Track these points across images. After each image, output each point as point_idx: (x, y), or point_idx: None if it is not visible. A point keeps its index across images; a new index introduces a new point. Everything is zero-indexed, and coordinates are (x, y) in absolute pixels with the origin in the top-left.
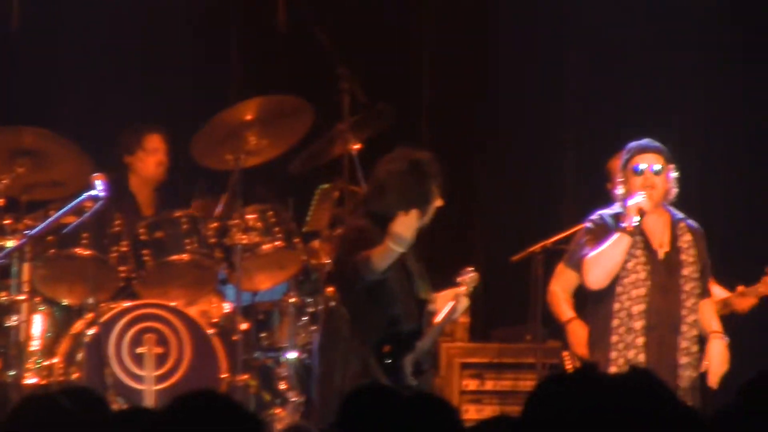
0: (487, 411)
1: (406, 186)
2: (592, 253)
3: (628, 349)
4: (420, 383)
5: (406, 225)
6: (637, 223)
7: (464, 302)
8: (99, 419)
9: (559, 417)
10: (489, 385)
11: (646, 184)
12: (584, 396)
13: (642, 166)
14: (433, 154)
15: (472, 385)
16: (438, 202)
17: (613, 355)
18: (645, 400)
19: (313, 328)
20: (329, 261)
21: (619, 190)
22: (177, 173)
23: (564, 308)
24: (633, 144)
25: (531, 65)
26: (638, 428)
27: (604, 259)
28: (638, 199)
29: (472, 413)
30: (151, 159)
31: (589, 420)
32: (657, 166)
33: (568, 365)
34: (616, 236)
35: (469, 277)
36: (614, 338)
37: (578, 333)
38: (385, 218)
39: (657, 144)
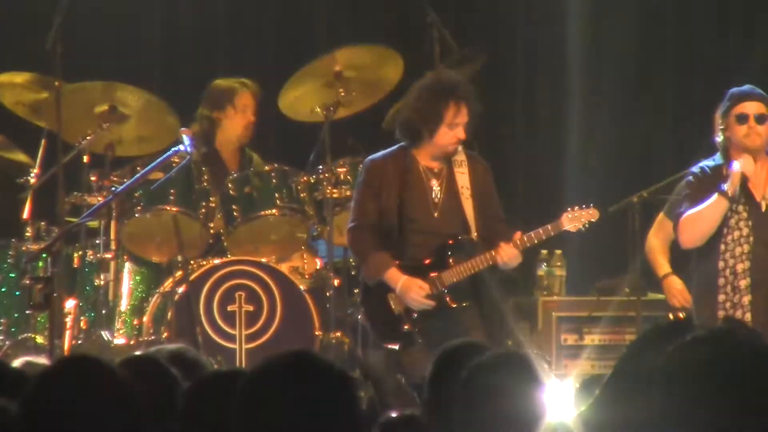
0: (586, 366)
1: (420, 99)
2: (689, 213)
3: (734, 309)
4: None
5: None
6: (738, 191)
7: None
8: (199, 382)
9: (654, 370)
10: (588, 340)
11: (749, 132)
12: (681, 348)
13: (745, 114)
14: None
15: (570, 339)
16: (458, 120)
17: (720, 314)
18: (740, 353)
19: None
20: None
21: (719, 138)
22: (265, 127)
23: (661, 262)
24: (734, 90)
25: None
26: (735, 381)
27: (700, 221)
28: (741, 164)
29: (570, 368)
30: (240, 117)
31: (686, 373)
32: (760, 113)
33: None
34: (714, 197)
35: (587, 212)
36: (721, 297)
37: (674, 288)
38: (406, 131)
39: (759, 91)
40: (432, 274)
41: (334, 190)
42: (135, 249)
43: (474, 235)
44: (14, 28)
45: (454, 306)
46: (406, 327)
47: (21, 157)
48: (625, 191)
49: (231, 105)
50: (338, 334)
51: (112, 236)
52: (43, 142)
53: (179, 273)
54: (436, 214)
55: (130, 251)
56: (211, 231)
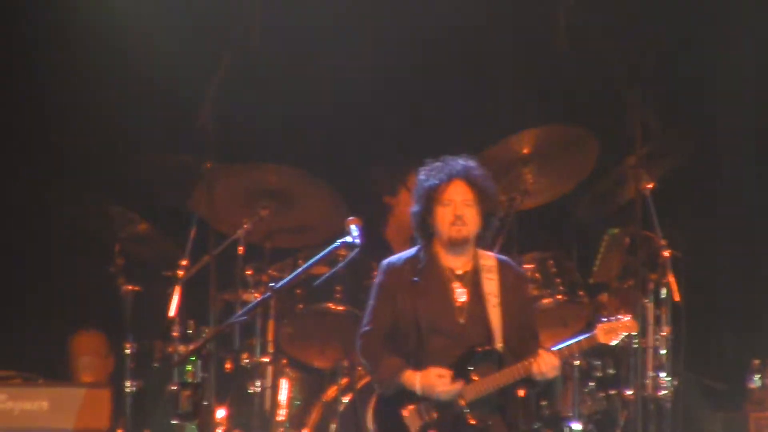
0: None
1: (417, 186)
2: None
3: None
4: None
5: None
6: None
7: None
8: None
9: None
10: None
11: None
12: None
13: None
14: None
15: None
16: (452, 197)
17: None
18: None
19: (602, 394)
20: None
21: None
22: None
23: None
24: None
25: None
26: None
27: None
28: None
29: None
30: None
31: None
32: None
33: None
34: None
35: (624, 324)
36: None
37: None
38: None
39: None
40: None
41: None
42: (295, 352)
43: (499, 345)
44: (164, 104)
45: (476, 424)
46: None
47: (168, 247)
48: None
49: (405, 188)
50: None
51: (270, 338)
52: (192, 231)
53: (344, 380)
54: (461, 320)
55: (290, 355)
56: None
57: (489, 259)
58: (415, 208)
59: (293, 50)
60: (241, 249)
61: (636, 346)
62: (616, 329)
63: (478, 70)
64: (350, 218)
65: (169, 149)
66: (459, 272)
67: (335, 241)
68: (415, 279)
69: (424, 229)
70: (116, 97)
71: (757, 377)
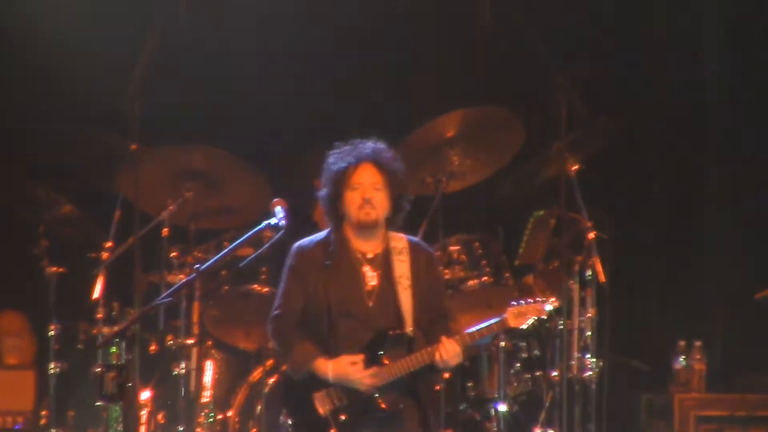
0: None
1: (326, 169)
2: None
3: None
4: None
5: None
6: None
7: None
8: None
9: None
10: None
11: None
12: None
13: None
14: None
15: None
16: (360, 180)
17: None
18: None
19: (527, 376)
20: (545, 299)
21: None
22: None
23: None
24: None
25: None
26: None
27: None
28: None
29: None
30: None
31: None
32: None
33: None
34: None
35: (534, 307)
36: None
37: None
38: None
39: None
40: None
41: (446, 271)
42: (220, 334)
43: (409, 329)
44: (89, 85)
45: (387, 409)
46: (332, 429)
47: (92, 229)
48: None
49: None
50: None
51: (195, 319)
52: (117, 212)
53: (270, 361)
54: (370, 303)
55: (215, 336)
56: None
57: (400, 241)
58: (324, 191)
59: (220, 30)
60: (165, 230)
61: (561, 327)
62: (525, 313)
63: (402, 48)
64: (275, 200)
65: (95, 130)
66: (369, 255)
67: (260, 223)
68: (327, 263)
69: (334, 213)
70: (40, 77)
71: (681, 358)
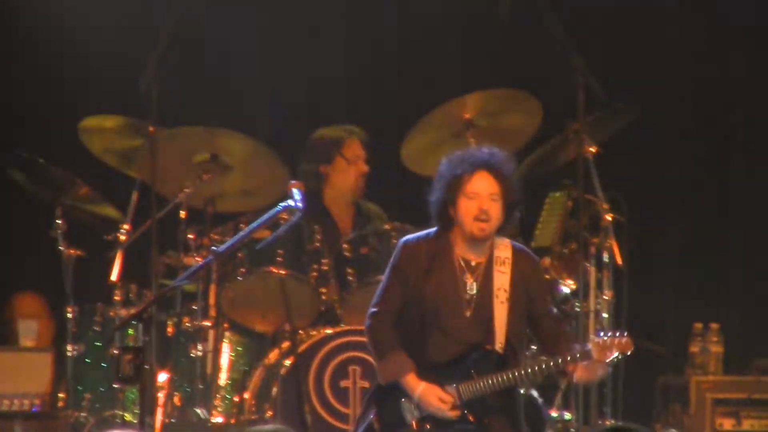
0: None
1: (440, 172)
2: None
3: None
4: None
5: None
6: None
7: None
8: None
9: None
10: (746, 425)
11: None
12: None
13: None
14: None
15: (727, 424)
16: (477, 190)
17: None
18: None
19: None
20: (562, 281)
21: None
22: (384, 181)
23: None
24: None
25: None
26: None
27: None
28: None
29: None
30: (351, 169)
31: None
32: None
33: None
34: None
35: (619, 342)
36: None
37: None
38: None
39: None
40: (449, 385)
41: None
42: (237, 316)
43: (499, 345)
44: (106, 68)
45: (473, 422)
46: None
47: (110, 211)
48: None
49: (339, 156)
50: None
51: (211, 302)
52: (134, 194)
53: (286, 344)
54: (468, 314)
55: (231, 319)
56: (323, 297)
57: (505, 249)
58: (436, 196)
59: (238, 14)
60: (183, 213)
61: (578, 310)
62: (612, 347)
63: (421, 34)
64: (292, 182)
65: (113, 113)
66: (473, 263)
67: (277, 206)
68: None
69: (444, 219)
70: (59, 59)
71: (698, 341)
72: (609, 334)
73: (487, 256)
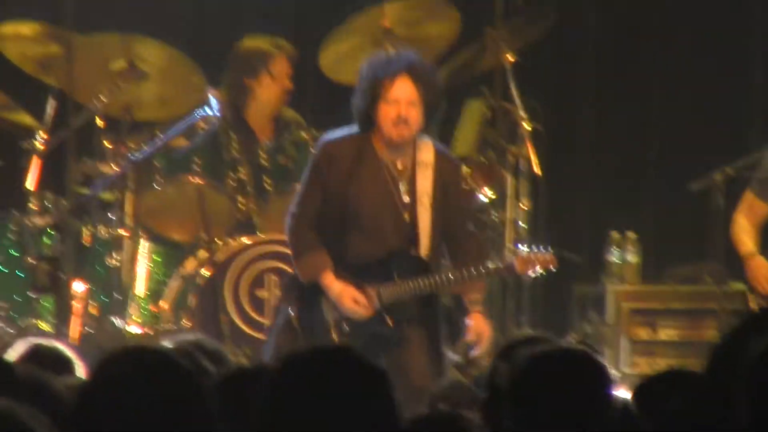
0: (661, 364)
1: (360, 76)
2: None
3: None
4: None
5: None
6: None
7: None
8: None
9: (749, 372)
10: (663, 335)
11: None
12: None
13: None
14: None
15: (643, 333)
16: (397, 95)
17: None
18: None
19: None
20: (480, 189)
21: None
22: (302, 89)
23: (745, 240)
24: None
25: None
26: None
27: None
28: None
29: (643, 366)
30: (276, 85)
31: None
32: None
33: (753, 308)
34: None
35: (543, 257)
36: None
37: (760, 270)
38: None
39: None
40: (370, 287)
41: None
42: (154, 225)
43: (423, 251)
44: None
45: (392, 326)
46: (333, 338)
47: (26, 118)
48: (707, 166)
49: (266, 71)
50: None
51: (128, 210)
52: (51, 102)
53: (203, 253)
54: (406, 216)
55: (148, 228)
56: (241, 206)
57: (427, 152)
58: (357, 99)
59: None
60: (100, 121)
61: (495, 219)
62: (534, 262)
63: None
64: (210, 90)
65: (29, 19)
66: (399, 167)
67: (194, 114)
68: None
69: (365, 122)
70: None
71: (614, 250)
72: (533, 248)
73: (411, 159)
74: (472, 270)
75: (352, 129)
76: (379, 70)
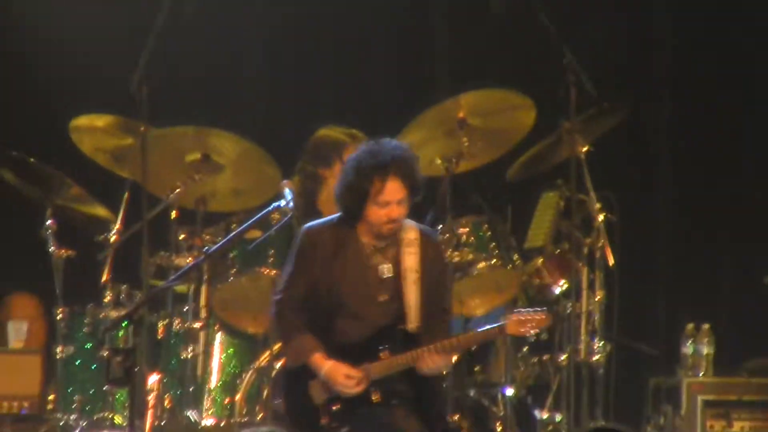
0: None
1: (346, 174)
2: None
3: None
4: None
5: None
6: None
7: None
8: None
9: None
10: (737, 427)
11: None
12: None
13: None
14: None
15: (717, 426)
16: (387, 198)
17: None
18: None
19: (534, 360)
20: (554, 281)
21: None
22: None
23: None
24: None
25: None
26: None
27: None
28: None
29: None
30: None
31: None
32: None
33: None
34: None
35: (537, 317)
36: None
37: None
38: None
39: None
40: (359, 366)
41: (455, 254)
42: (228, 317)
43: (412, 325)
44: (97, 67)
45: (380, 403)
46: (323, 421)
47: (100, 211)
48: None
49: (339, 160)
50: (455, 417)
51: (203, 303)
52: (125, 194)
53: (277, 346)
54: (381, 298)
55: (223, 320)
56: None
57: (411, 231)
58: (344, 196)
59: (228, 14)
60: (174, 213)
61: (569, 311)
62: (526, 322)
63: (414, 32)
64: (284, 182)
65: (103, 112)
66: (382, 247)
67: (269, 205)
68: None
69: (353, 218)
70: (50, 58)
71: (689, 342)
72: (528, 309)
73: (395, 239)
74: (454, 341)
75: (333, 217)
76: (368, 169)
